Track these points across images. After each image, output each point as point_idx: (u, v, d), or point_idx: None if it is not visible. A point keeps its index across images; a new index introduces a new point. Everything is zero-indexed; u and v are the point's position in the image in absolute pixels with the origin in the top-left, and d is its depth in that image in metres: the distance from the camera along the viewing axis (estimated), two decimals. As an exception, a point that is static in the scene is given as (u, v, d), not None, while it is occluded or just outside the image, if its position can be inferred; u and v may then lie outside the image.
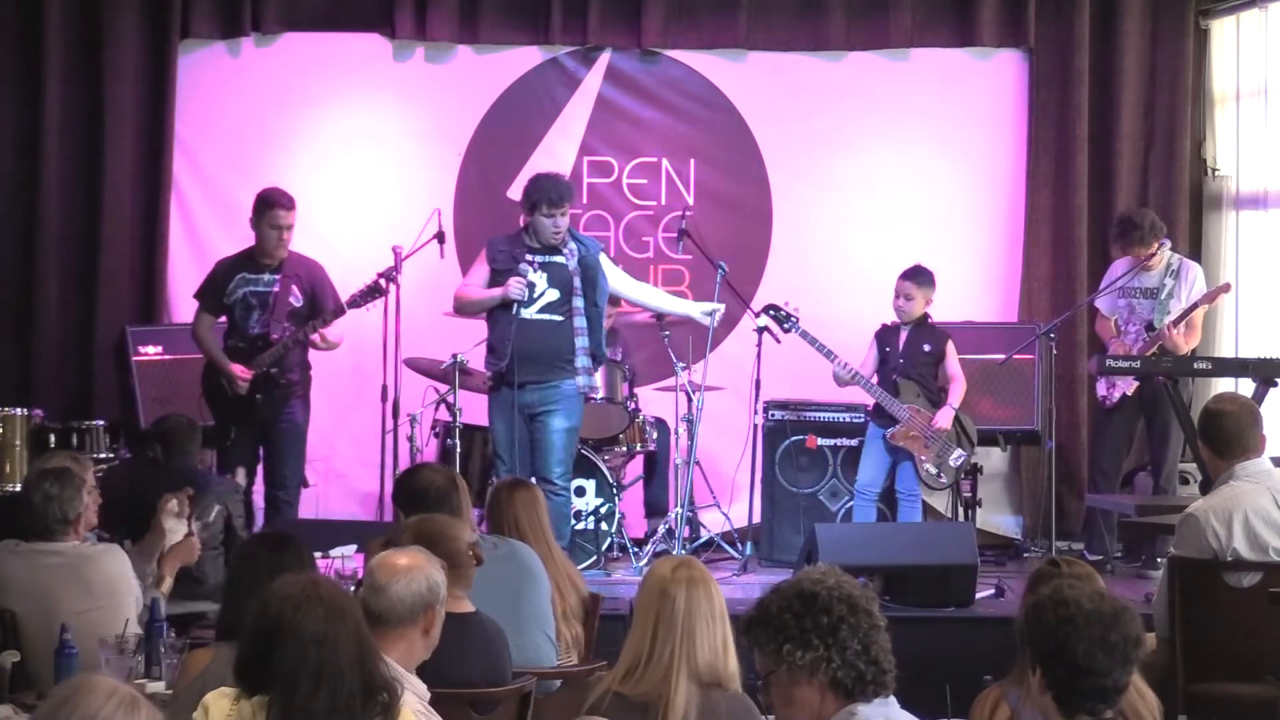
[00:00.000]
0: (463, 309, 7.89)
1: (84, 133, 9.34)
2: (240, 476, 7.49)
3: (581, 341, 7.59)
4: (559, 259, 7.62)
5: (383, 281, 8.00)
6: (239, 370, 7.83)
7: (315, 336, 7.93)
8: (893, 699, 3.21)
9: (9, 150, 9.34)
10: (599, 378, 8.28)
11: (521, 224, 7.77)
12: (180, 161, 9.42)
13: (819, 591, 3.20)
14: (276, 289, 7.91)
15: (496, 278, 7.61)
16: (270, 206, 7.89)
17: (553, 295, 7.59)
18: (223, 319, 8.09)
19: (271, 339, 7.88)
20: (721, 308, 8.17)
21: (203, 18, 9.37)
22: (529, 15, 9.51)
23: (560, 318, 7.58)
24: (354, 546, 6.76)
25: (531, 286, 7.56)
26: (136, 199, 9.37)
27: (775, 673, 3.19)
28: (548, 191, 7.56)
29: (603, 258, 7.84)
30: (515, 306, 7.52)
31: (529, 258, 7.55)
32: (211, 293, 8.03)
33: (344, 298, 7.96)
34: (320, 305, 7.96)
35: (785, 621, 3.18)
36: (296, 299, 7.94)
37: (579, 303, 7.59)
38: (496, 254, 7.66)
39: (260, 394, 7.88)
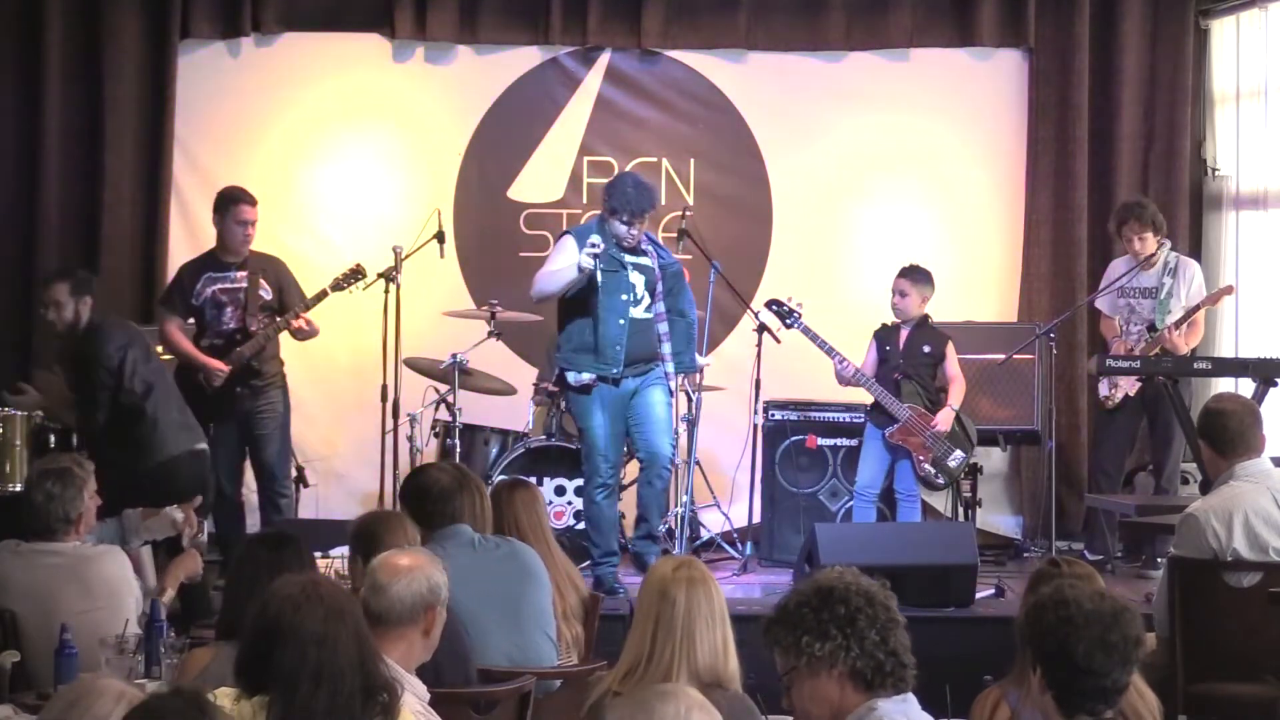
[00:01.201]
0: (542, 291, 7.79)
1: (84, 133, 9.34)
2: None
3: (663, 347, 7.66)
4: (645, 260, 7.68)
5: (364, 265, 8.05)
6: (216, 364, 7.84)
7: (299, 323, 7.93)
8: (912, 697, 3.22)
9: (9, 150, 9.34)
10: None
11: (600, 216, 7.75)
12: (180, 161, 9.42)
13: (836, 585, 3.23)
14: (245, 284, 7.95)
15: (596, 274, 7.56)
16: (236, 203, 7.93)
17: (648, 297, 7.66)
18: (189, 321, 8.10)
19: (250, 331, 7.90)
20: (710, 363, 8.34)
21: (203, 18, 9.37)
22: (529, 15, 9.51)
23: (652, 316, 7.66)
24: (354, 547, 6.75)
25: (634, 288, 7.61)
26: (136, 198, 9.37)
27: (796, 669, 3.21)
28: (630, 204, 7.55)
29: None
30: (626, 309, 7.56)
31: (595, 244, 7.49)
32: (178, 296, 8.04)
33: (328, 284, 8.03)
34: (288, 298, 8.01)
35: (803, 615, 3.21)
36: (266, 292, 7.99)
37: (660, 306, 7.66)
38: (588, 247, 7.63)
39: (241, 387, 7.90)
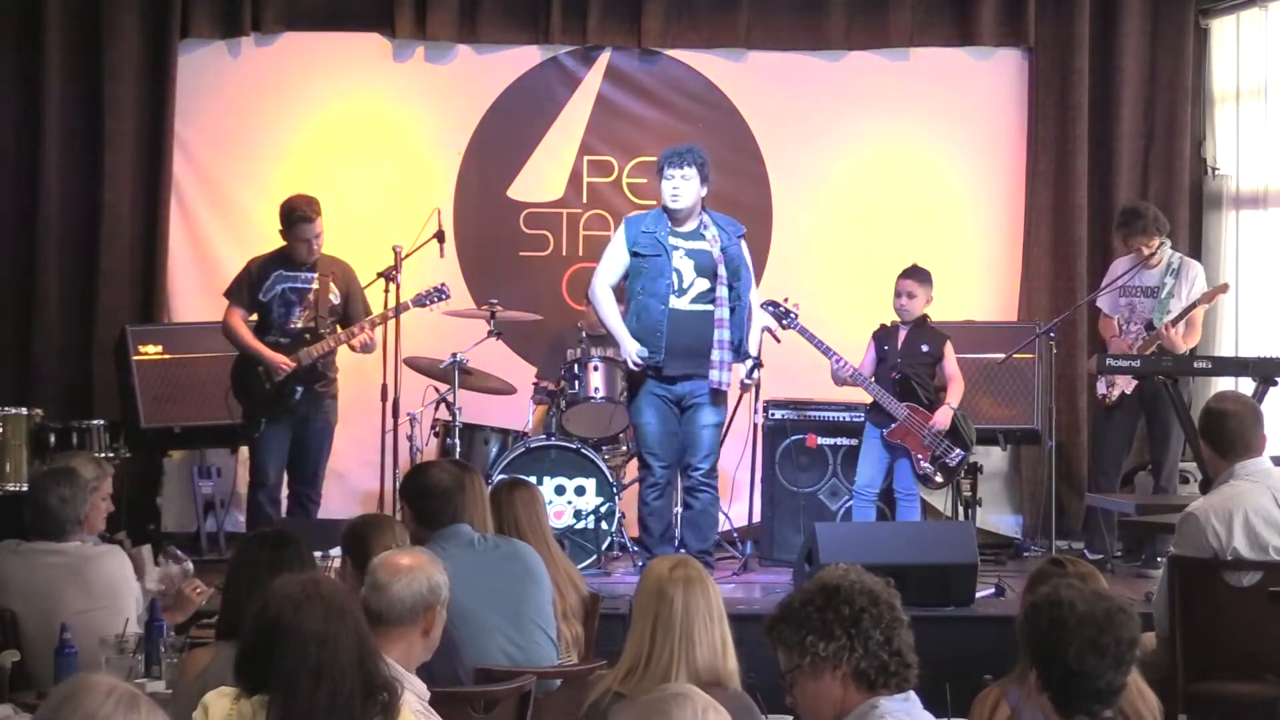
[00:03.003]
0: (594, 313, 7.88)
1: (84, 132, 9.34)
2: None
3: (719, 334, 7.53)
4: (704, 245, 7.56)
5: (447, 286, 8.05)
6: (281, 359, 7.83)
7: (364, 337, 7.90)
8: (914, 696, 3.22)
9: (10, 149, 9.34)
10: (600, 377, 8.29)
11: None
12: (180, 161, 9.42)
13: (841, 584, 3.23)
14: (315, 285, 7.95)
15: (640, 262, 7.54)
16: (297, 223, 7.87)
17: (703, 285, 7.55)
18: (251, 316, 8.08)
19: (320, 333, 7.89)
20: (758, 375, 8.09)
21: (202, 17, 9.37)
22: (529, 15, 9.51)
23: (709, 306, 7.54)
24: (354, 546, 6.75)
25: (680, 274, 7.53)
26: (136, 198, 9.37)
27: (800, 667, 3.20)
28: (668, 151, 7.55)
29: (742, 244, 7.77)
30: (667, 295, 7.48)
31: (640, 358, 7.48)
32: (246, 289, 8.02)
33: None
34: (352, 308, 8.00)
35: (808, 614, 3.21)
36: (335, 296, 7.99)
37: (723, 292, 7.53)
38: (639, 236, 7.56)
39: (301, 387, 7.89)
